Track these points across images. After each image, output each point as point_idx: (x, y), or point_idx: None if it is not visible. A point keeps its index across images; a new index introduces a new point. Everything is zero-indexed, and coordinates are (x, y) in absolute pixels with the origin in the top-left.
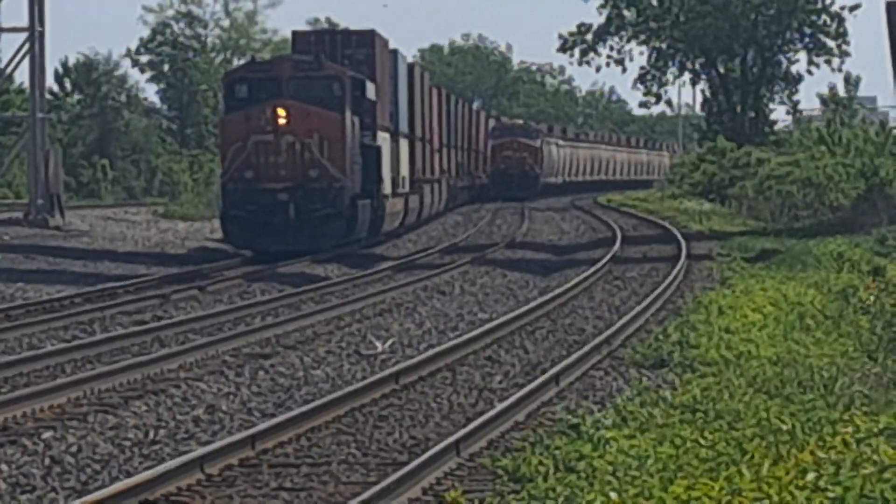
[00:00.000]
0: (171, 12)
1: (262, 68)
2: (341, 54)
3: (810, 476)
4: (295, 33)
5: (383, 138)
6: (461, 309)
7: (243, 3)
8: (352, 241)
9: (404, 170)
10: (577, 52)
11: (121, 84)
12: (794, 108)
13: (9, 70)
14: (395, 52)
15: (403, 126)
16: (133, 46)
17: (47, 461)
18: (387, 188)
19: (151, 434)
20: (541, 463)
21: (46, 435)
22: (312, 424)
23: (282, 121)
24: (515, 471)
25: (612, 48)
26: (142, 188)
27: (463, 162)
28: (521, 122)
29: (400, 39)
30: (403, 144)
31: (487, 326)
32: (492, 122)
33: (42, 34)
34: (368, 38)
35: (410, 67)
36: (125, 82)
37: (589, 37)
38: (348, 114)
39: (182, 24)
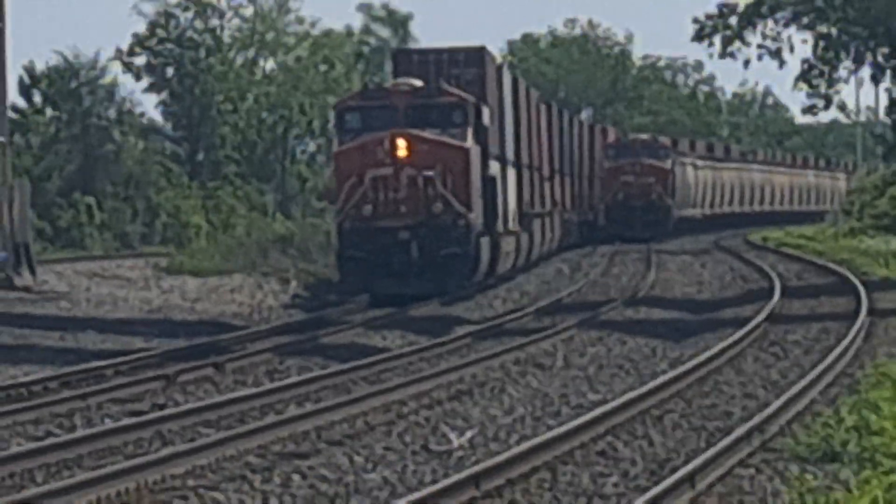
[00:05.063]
0: None
1: (376, 95)
2: (448, 74)
3: None
4: (396, 52)
5: (496, 168)
6: (565, 388)
7: None
8: (472, 284)
9: (512, 203)
10: (718, 41)
11: (109, 96)
12: None
13: None
14: (500, 68)
15: (510, 153)
16: (125, 46)
17: None
18: (500, 225)
19: None
20: None
21: None
22: None
23: (401, 153)
24: None
25: (764, 36)
26: (139, 234)
27: (577, 192)
28: (645, 136)
29: (482, 30)
30: (511, 174)
31: (600, 411)
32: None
33: (2, 31)
34: (478, 57)
35: (515, 82)
36: (115, 94)
37: (734, 21)
38: (472, 143)
39: (190, 15)
